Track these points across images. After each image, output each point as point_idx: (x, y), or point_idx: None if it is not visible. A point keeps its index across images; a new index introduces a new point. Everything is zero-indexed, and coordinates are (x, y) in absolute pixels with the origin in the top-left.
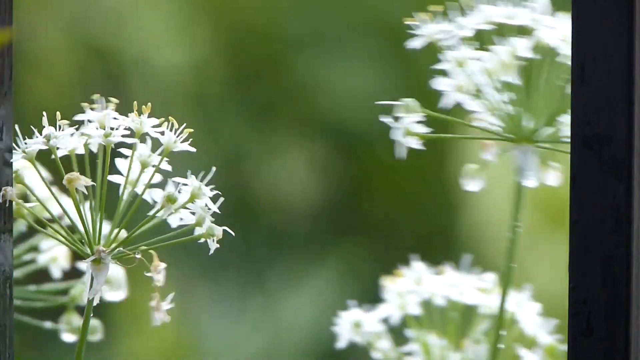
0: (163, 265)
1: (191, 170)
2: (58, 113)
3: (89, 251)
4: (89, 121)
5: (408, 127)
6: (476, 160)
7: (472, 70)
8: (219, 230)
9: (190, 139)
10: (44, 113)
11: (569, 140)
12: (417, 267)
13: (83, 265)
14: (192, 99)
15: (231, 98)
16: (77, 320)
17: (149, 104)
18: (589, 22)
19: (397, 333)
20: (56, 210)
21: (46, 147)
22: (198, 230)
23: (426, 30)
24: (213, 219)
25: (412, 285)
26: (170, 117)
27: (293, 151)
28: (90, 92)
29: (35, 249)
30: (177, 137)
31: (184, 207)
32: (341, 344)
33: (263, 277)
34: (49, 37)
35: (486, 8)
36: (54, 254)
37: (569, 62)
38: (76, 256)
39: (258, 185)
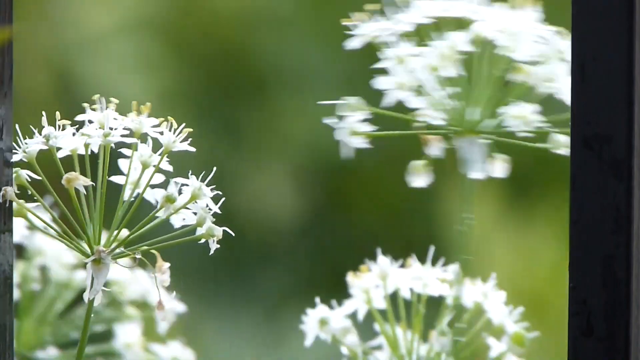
0: (167, 264)
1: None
2: (57, 113)
3: (89, 251)
4: (90, 121)
5: (352, 126)
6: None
7: (413, 66)
8: (219, 231)
9: (190, 139)
10: (44, 113)
11: (515, 130)
12: (382, 262)
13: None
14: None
15: (208, 119)
16: None
17: (148, 103)
18: (589, 22)
19: (367, 328)
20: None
21: (46, 147)
22: (199, 231)
23: (364, 29)
24: (214, 219)
25: (377, 280)
26: (169, 117)
27: (273, 168)
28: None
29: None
30: (176, 136)
31: (184, 207)
32: (308, 341)
33: (254, 292)
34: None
35: (423, 3)
36: (128, 340)
37: (507, 53)
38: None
39: (240, 203)
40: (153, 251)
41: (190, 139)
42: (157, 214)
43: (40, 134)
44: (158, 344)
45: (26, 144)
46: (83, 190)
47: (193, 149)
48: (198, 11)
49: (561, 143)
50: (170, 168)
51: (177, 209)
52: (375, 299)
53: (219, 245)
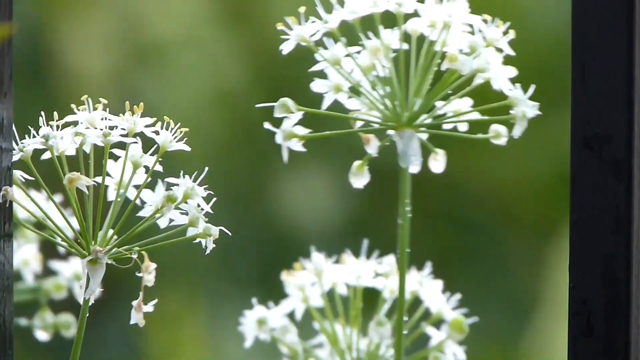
0: (154, 265)
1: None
2: (55, 113)
3: (85, 251)
4: (80, 123)
5: (288, 129)
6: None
7: (348, 68)
8: (215, 230)
9: (185, 138)
10: (42, 113)
11: (451, 121)
12: (317, 259)
13: (57, 265)
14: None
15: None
16: (50, 317)
17: (141, 103)
18: (589, 22)
19: (306, 326)
20: (52, 211)
21: (44, 147)
22: (192, 231)
23: (294, 31)
24: (207, 219)
25: (312, 277)
26: (165, 117)
27: (313, 170)
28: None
29: None
30: (172, 136)
31: (176, 207)
32: (248, 342)
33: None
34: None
35: (352, 1)
36: (25, 257)
37: (439, 47)
38: (47, 256)
39: (279, 205)
40: (142, 252)
41: (185, 139)
42: (156, 214)
43: (39, 134)
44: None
45: (22, 143)
46: (85, 190)
47: (188, 148)
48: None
49: (500, 133)
50: (159, 168)
51: (155, 211)
52: (312, 297)
53: (215, 245)
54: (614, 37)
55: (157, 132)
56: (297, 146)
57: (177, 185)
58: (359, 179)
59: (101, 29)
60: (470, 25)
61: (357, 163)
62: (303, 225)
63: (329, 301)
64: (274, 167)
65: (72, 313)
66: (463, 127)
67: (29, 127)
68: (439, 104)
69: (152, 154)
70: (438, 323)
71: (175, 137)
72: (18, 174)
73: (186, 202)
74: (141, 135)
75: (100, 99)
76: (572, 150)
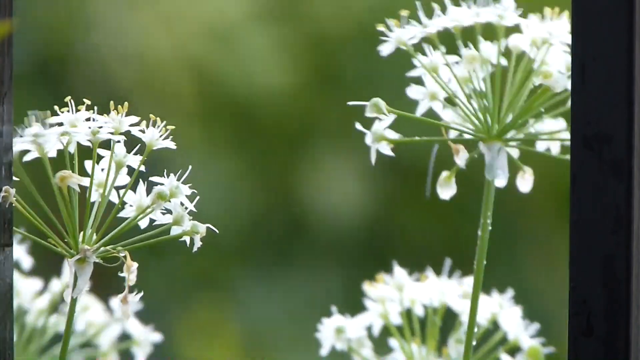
0: (135, 265)
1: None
2: (48, 112)
3: (73, 250)
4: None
5: (378, 132)
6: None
7: (444, 77)
8: (202, 228)
9: (171, 136)
10: (33, 113)
11: (541, 139)
12: (398, 274)
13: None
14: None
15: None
16: None
17: (126, 103)
18: (589, 22)
19: (379, 341)
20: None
21: (31, 147)
22: (176, 229)
23: (395, 34)
24: (191, 217)
25: (393, 292)
26: (151, 115)
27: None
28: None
29: None
30: (159, 133)
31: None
32: (324, 350)
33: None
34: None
35: (454, 9)
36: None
37: (538, 66)
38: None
39: (305, 198)
40: (125, 251)
41: (171, 137)
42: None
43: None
44: None
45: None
46: (77, 188)
47: (174, 146)
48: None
49: None
50: (142, 168)
51: (144, 208)
52: (392, 313)
53: (201, 243)
54: (614, 37)
55: (142, 131)
56: (387, 150)
57: (162, 184)
58: (446, 190)
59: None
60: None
61: (445, 174)
62: (332, 224)
63: (407, 319)
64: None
65: None
66: (555, 148)
67: (22, 126)
68: (531, 121)
69: (136, 153)
70: (514, 350)
71: (161, 135)
72: None
73: (169, 201)
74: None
75: (84, 100)
76: (572, 150)
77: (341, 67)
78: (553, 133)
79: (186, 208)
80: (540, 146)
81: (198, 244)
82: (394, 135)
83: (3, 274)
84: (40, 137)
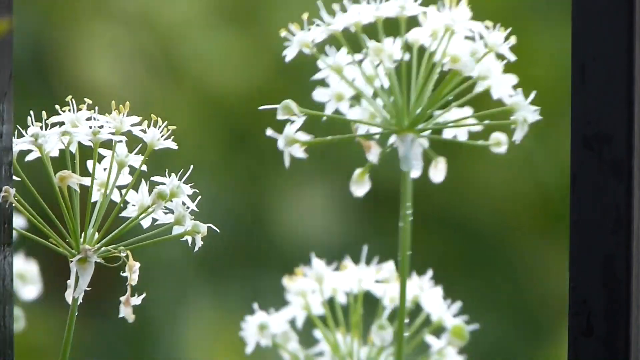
0: (137, 264)
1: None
2: (44, 112)
3: (74, 250)
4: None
5: (289, 135)
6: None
7: (350, 76)
8: (203, 228)
9: (172, 137)
10: (31, 112)
11: (452, 127)
12: (317, 265)
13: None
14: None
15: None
16: None
17: (127, 102)
18: (589, 22)
19: (305, 334)
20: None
21: (32, 147)
22: (178, 229)
23: (297, 37)
24: (192, 217)
25: (313, 284)
26: (152, 115)
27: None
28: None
29: None
30: (160, 134)
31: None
32: (249, 348)
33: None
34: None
35: (355, 7)
36: None
37: (439, 55)
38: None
39: (278, 219)
40: (127, 251)
41: (173, 137)
42: (146, 211)
43: (28, 134)
44: None
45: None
46: (77, 188)
47: (175, 146)
48: None
49: (501, 141)
50: (144, 167)
51: (146, 208)
52: (313, 305)
53: (202, 242)
54: (614, 37)
55: (144, 131)
56: (299, 152)
57: (163, 183)
58: (360, 187)
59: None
60: (472, 32)
61: (358, 171)
62: (302, 237)
63: (329, 309)
64: (272, 181)
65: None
66: (463, 135)
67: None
68: (440, 112)
69: (137, 153)
70: (439, 330)
71: (163, 135)
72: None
73: (171, 201)
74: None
75: (85, 99)
76: (572, 150)
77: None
78: (460, 120)
79: (188, 207)
80: (449, 134)
81: (199, 243)
82: (305, 137)
83: (3, 273)
84: (40, 137)
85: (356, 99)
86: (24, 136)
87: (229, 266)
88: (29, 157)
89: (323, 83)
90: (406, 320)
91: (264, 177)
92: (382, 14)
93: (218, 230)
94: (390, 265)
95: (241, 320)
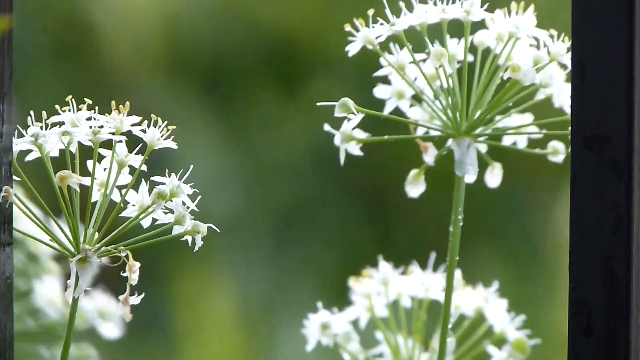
0: (138, 264)
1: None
2: (44, 112)
3: (74, 250)
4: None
5: (346, 132)
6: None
7: (412, 75)
8: (203, 227)
9: (172, 136)
10: (31, 112)
11: (510, 134)
12: (384, 268)
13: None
14: None
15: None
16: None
17: (127, 102)
18: (589, 22)
19: (366, 335)
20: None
21: (32, 147)
22: (178, 228)
23: (361, 33)
24: (192, 217)
25: (378, 287)
26: (152, 115)
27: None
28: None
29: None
30: (160, 133)
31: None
32: (310, 346)
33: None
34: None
35: (420, 7)
36: (48, 296)
37: (503, 60)
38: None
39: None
40: (127, 251)
41: (173, 136)
42: (146, 211)
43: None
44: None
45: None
46: (77, 188)
47: (175, 146)
48: None
49: (558, 150)
50: (144, 167)
51: (145, 208)
52: (377, 307)
53: (202, 242)
54: (614, 37)
55: (144, 131)
56: (355, 150)
57: (163, 183)
58: (415, 187)
59: None
60: (537, 40)
61: (413, 172)
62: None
63: (393, 312)
64: None
65: (93, 345)
66: (523, 142)
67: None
68: (499, 117)
69: (137, 153)
70: (501, 342)
71: (163, 134)
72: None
73: (171, 201)
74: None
75: (85, 99)
76: (572, 150)
77: None
78: (520, 127)
79: (188, 207)
80: (508, 141)
81: (199, 243)
82: (362, 134)
83: (3, 273)
84: (40, 137)
85: (416, 98)
86: (24, 136)
87: None
88: (29, 157)
89: (384, 80)
90: (449, 330)
91: None
92: (448, 16)
93: (218, 230)
94: (457, 273)
95: None
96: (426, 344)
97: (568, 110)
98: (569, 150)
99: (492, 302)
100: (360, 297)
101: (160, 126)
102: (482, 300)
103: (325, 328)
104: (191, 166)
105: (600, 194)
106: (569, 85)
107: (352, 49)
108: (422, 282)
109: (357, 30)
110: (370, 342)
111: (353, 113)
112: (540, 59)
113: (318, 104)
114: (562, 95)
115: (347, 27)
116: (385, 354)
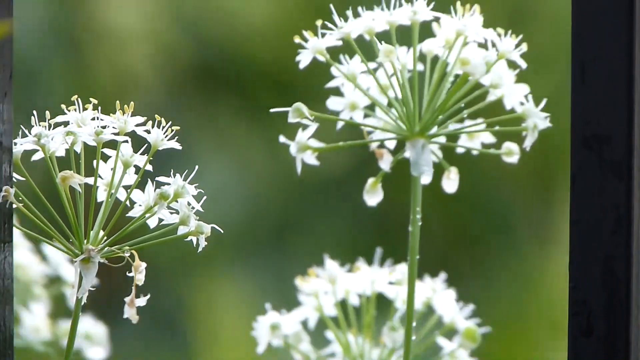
0: (144, 264)
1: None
2: (47, 112)
3: (77, 250)
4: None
5: (302, 141)
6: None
7: (364, 85)
8: (207, 228)
9: (177, 137)
10: (34, 112)
11: (464, 132)
12: (330, 266)
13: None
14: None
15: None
16: None
17: (132, 103)
18: (589, 22)
19: (316, 334)
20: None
21: (36, 147)
22: (183, 229)
23: (311, 43)
24: (197, 217)
25: (326, 285)
26: (156, 115)
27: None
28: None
29: None
30: (164, 134)
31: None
32: (260, 348)
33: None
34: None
35: (366, 14)
36: (35, 324)
37: (455, 68)
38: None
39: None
40: (133, 252)
41: (177, 137)
42: (149, 212)
43: (31, 134)
44: (68, 319)
45: (15, 143)
46: (78, 189)
47: (179, 147)
48: None
49: (513, 150)
50: (149, 167)
51: (149, 208)
52: (326, 306)
53: (206, 243)
54: (614, 37)
55: (148, 131)
56: (311, 159)
57: (168, 184)
58: (373, 196)
59: None
60: (485, 42)
61: (371, 180)
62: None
63: (341, 310)
64: None
65: None
66: (477, 146)
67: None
68: (451, 126)
69: (142, 153)
70: (451, 333)
71: (166, 135)
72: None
73: (176, 201)
74: (132, 134)
75: (91, 99)
76: (572, 150)
77: None
78: (472, 127)
79: (193, 208)
80: (462, 143)
81: (203, 244)
82: (317, 144)
83: (3, 272)
84: (43, 137)
85: (370, 108)
86: (27, 136)
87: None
88: (35, 157)
89: (337, 92)
90: (414, 324)
91: None
92: (395, 20)
93: (222, 231)
94: (402, 267)
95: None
96: (376, 340)
97: (519, 109)
98: (524, 148)
99: (440, 292)
100: (308, 297)
101: (164, 127)
102: (430, 291)
103: (274, 329)
104: (196, 166)
105: (600, 194)
106: (519, 86)
107: (303, 60)
108: (369, 278)
109: (306, 41)
110: (320, 341)
111: (307, 118)
112: (490, 58)
113: (271, 110)
114: (512, 97)
115: (297, 39)
116: (336, 352)
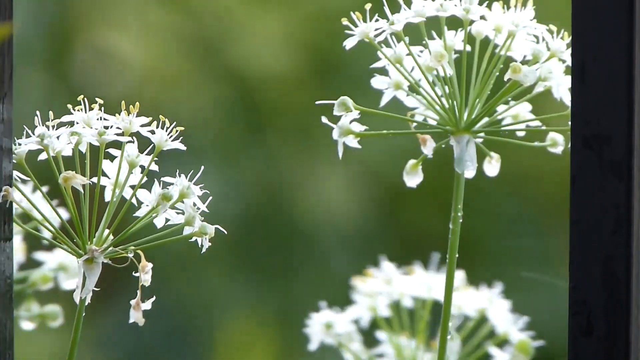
0: (150, 265)
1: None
2: (51, 112)
3: (81, 251)
4: (77, 123)
5: (344, 126)
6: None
7: (409, 66)
8: (211, 229)
9: (181, 137)
10: (37, 113)
11: (509, 129)
12: (387, 268)
13: (42, 255)
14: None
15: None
16: (36, 308)
17: (137, 103)
18: (589, 22)
19: (368, 334)
20: (47, 211)
21: (39, 147)
22: (188, 230)
23: (359, 28)
24: (202, 218)
25: (381, 286)
26: (160, 116)
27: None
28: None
29: None
30: (167, 135)
31: (172, 206)
32: (313, 345)
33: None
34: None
35: (418, 2)
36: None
37: (503, 52)
38: (32, 247)
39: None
40: (138, 251)
41: (181, 137)
42: (152, 213)
43: (34, 134)
44: (43, 252)
45: (19, 144)
46: (80, 189)
47: (184, 147)
48: None
49: (557, 142)
50: (156, 168)
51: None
52: (380, 306)
53: (210, 244)
54: (614, 37)
55: (152, 132)
56: (353, 143)
57: (173, 184)
58: (413, 177)
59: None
60: (535, 35)
61: (411, 162)
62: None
63: (396, 312)
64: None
65: (57, 304)
66: (520, 133)
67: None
68: (498, 109)
69: (147, 154)
70: (504, 344)
71: (171, 136)
72: (15, 174)
73: (182, 202)
74: (137, 134)
75: (97, 99)
76: (572, 150)
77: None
78: (520, 122)
79: (198, 209)
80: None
81: (206, 245)
82: (360, 128)
83: (3, 272)
84: (46, 138)
85: (413, 89)
86: (30, 136)
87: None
88: (41, 157)
89: (381, 71)
90: (451, 331)
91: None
92: (446, 14)
93: (225, 232)
94: (460, 274)
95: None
96: (428, 344)
97: (568, 102)
98: (569, 145)
99: (495, 302)
100: (362, 297)
101: (168, 127)
102: (485, 301)
103: (328, 327)
104: (202, 167)
105: (600, 194)
106: (568, 78)
107: (349, 43)
108: (425, 283)
109: (355, 25)
110: (372, 342)
111: (352, 111)
112: (539, 52)
113: (317, 103)
114: (561, 88)
115: (345, 21)
116: (387, 354)
